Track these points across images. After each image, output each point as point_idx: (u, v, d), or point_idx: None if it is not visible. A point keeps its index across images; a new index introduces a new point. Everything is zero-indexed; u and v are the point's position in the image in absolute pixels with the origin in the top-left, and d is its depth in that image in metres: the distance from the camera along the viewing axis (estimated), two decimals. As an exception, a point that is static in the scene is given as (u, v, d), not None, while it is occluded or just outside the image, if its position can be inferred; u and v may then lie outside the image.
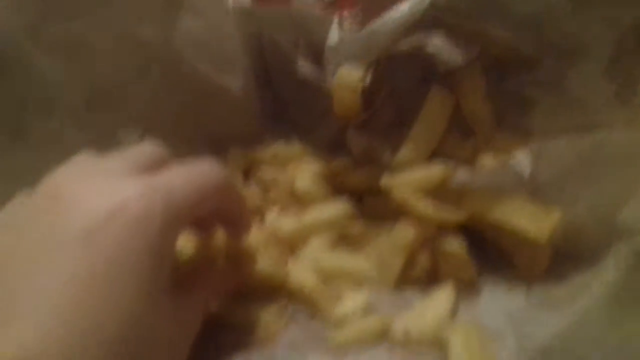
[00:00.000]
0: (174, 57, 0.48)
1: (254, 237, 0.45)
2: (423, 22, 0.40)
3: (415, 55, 0.42)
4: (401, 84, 0.45)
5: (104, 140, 0.45)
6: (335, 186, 0.49)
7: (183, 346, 0.33)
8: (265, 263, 0.42)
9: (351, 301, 0.40)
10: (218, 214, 0.38)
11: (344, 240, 0.46)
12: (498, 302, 0.39)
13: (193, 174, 0.34)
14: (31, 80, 0.43)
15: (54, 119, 0.45)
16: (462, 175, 0.41)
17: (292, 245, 0.46)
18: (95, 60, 0.45)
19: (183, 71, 0.49)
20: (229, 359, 0.37)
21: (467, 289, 0.40)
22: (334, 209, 0.46)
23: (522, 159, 0.38)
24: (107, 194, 0.30)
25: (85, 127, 0.46)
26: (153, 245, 0.29)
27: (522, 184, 0.38)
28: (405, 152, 0.44)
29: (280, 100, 0.55)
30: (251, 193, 0.50)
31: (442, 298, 0.38)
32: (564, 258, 0.38)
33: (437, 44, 0.40)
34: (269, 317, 0.40)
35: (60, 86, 0.44)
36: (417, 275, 0.41)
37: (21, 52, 0.42)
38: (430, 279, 0.41)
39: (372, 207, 0.47)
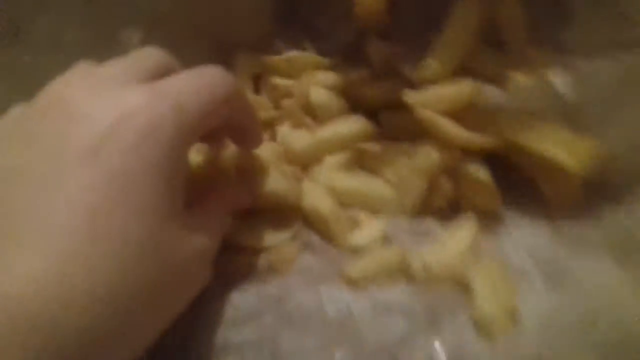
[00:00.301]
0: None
1: (265, 151, 0.42)
2: None
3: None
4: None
5: (105, 41, 0.43)
6: (352, 100, 0.45)
7: (204, 267, 0.31)
8: (277, 183, 0.39)
9: (368, 229, 0.38)
10: (228, 125, 0.34)
11: (360, 160, 0.43)
12: (522, 237, 0.37)
13: (202, 81, 0.30)
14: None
15: (51, 14, 0.41)
16: (492, 93, 0.37)
17: (305, 163, 0.43)
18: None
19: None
20: (240, 287, 0.35)
21: (490, 220, 0.38)
22: (351, 125, 0.43)
23: (560, 79, 0.34)
24: (111, 104, 0.27)
25: (85, 24, 0.42)
26: (164, 158, 0.27)
27: (559, 107, 0.35)
28: (430, 63, 0.40)
29: (293, 1, 0.50)
30: (262, 104, 0.46)
31: (463, 231, 0.36)
32: (595, 191, 0.36)
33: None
34: (282, 242, 0.38)
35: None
36: (438, 203, 0.38)
37: None
38: (451, 208, 0.39)
39: (390, 124, 0.44)
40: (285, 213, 0.39)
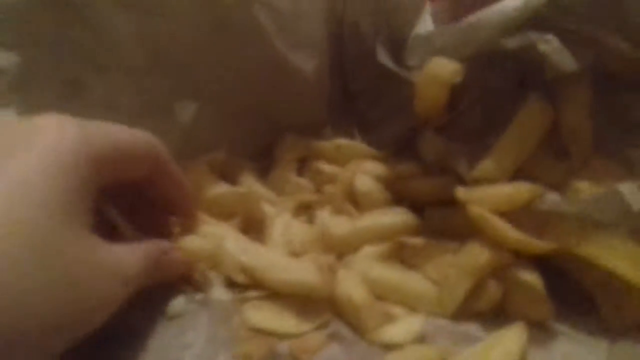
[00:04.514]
0: (250, 24, 0.43)
1: (301, 234, 0.41)
2: (534, 21, 0.35)
3: (518, 55, 0.36)
4: (494, 86, 0.39)
5: (158, 110, 0.44)
6: (398, 193, 0.44)
7: (118, 285, 0.30)
8: (309, 274, 0.36)
9: (404, 325, 0.35)
10: (153, 196, 0.36)
11: (400, 254, 0.40)
12: (575, 353, 0.33)
13: (119, 129, 0.32)
14: (100, 32, 0.40)
15: (113, 78, 0.42)
16: (553, 199, 0.35)
17: (342, 250, 0.41)
18: (168, 18, 0.41)
19: (255, 41, 0.44)
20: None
21: (539, 332, 0.34)
22: (394, 215, 0.41)
23: (630, 189, 0.32)
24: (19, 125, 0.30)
25: (142, 91, 0.43)
26: (65, 170, 0.27)
27: (627, 218, 0.32)
28: (487, 164, 0.38)
29: (349, 91, 0.50)
30: (303, 185, 0.45)
31: (511, 337, 0.32)
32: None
33: (550, 46, 0.35)
34: (307, 330, 0.35)
35: (127, 43, 0.41)
36: (482, 307, 0.35)
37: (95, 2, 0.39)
38: (495, 315, 0.35)
39: (435, 221, 0.41)
40: (315, 302, 0.36)
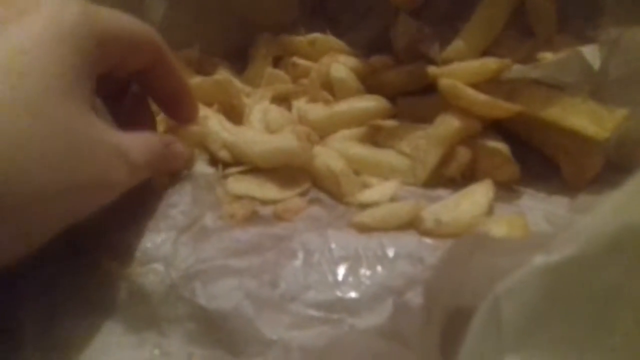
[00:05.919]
0: None
1: (279, 119, 0.42)
2: None
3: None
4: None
5: (131, 7, 0.43)
6: (371, 86, 0.45)
7: (116, 163, 0.29)
8: (288, 142, 0.37)
9: (380, 188, 0.37)
10: (155, 92, 0.36)
11: (375, 136, 0.42)
12: (539, 206, 0.35)
13: (123, 14, 0.32)
14: None
15: None
16: (518, 67, 0.37)
17: (319, 134, 0.42)
18: None
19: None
20: (243, 227, 0.34)
21: (506, 192, 0.37)
22: (369, 101, 0.43)
23: (591, 50, 0.34)
24: None
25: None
26: (65, 42, 0.27)
27: (588, 78, 0.34)
28: (457, 44, 0.40)
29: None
30: (279, 77, 0.46)
31: (479, 191, 0.35)
32: (615, 170, 0.35)
33: None
34: (289, 196, 0.36)
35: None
36: (452, 174, 0.37)
37: None
38: (465, 181, 0.37)
39: (408, 109, 0.43)
40: (295, 174, 0.38)
